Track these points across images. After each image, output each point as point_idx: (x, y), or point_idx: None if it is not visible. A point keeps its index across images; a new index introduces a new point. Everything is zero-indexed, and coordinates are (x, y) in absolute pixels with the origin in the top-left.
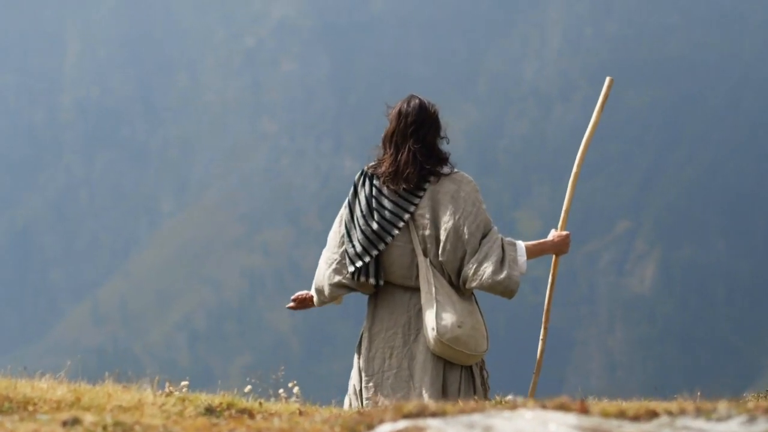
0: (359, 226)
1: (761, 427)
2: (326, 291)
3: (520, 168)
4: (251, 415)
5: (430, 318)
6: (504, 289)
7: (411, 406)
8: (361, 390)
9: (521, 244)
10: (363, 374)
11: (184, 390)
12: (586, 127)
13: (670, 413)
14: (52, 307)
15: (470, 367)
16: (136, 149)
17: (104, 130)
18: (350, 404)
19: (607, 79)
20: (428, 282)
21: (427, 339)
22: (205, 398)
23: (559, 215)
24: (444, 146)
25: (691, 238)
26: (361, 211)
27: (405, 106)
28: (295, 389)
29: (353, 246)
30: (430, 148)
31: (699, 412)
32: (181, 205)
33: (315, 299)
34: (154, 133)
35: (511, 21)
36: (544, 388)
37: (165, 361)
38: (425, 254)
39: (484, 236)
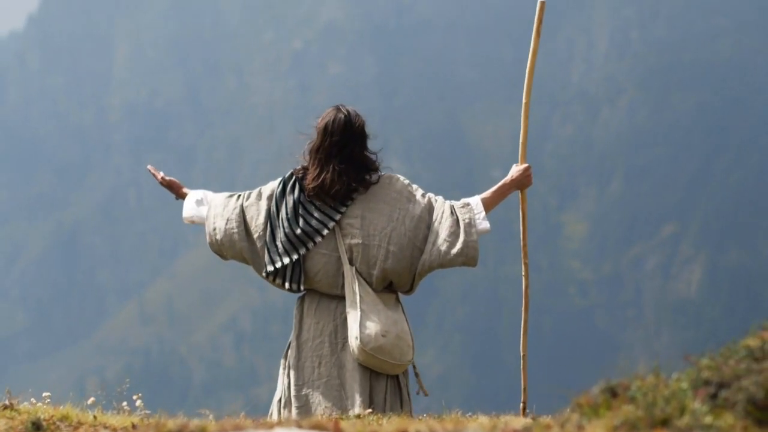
0: (283, 228)
1: None
2: (227, 257)
3: (566, 171)
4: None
5: (353, 326)
6: (465, 259)
7: (172, 423)
8: (288, 399)
9: (476, 201)
10: (293, 383)
11: (47, 402)
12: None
13: None
14: (99, 308)
15: (397, 378)
16: (184, 151)
17: (152, 131)
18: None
19: (539, 3)
20: (353, 291)
21: (351, 348)
22: (43, 410)
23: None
24: (371, 151)
25: (738, 242)
26: (287, 214)
27: (331, 123)
28: (138, 402)
29: (275, 246)
30: (357, 163)
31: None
32: None
33: (209, 241)
34: (202, 134)
35: (558, 24)
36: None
37: (210, 361)
38: (351, 262)
39: (430, 220)
